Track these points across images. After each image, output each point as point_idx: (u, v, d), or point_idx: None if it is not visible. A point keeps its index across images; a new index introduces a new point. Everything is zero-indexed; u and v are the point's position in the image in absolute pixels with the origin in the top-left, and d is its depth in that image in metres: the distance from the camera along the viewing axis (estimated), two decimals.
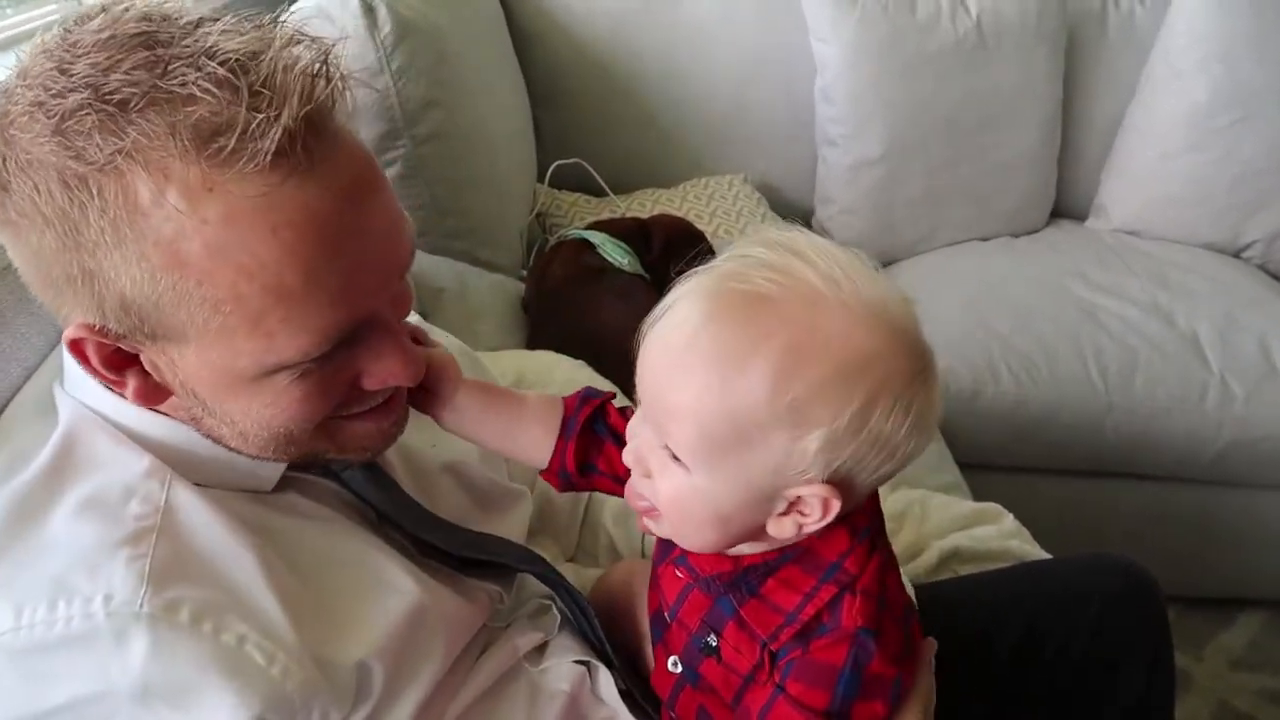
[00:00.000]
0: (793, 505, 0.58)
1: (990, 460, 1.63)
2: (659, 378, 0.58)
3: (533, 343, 1.33)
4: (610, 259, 1.43)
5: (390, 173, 1.37)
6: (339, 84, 0.54)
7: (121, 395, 0.60)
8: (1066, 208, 2.09)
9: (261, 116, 0.50)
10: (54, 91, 0.51)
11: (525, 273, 1.57)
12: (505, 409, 0.72)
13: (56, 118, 0.50)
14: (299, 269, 0.53)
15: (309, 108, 0.51)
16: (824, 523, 0.58)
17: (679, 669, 0.68)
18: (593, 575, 0.89)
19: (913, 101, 1.86)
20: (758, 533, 0.60)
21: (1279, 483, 1.69)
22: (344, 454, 0.66)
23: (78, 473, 0.59)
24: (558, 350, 1.18)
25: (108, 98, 0.50)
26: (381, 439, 0.67)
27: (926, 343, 0.57)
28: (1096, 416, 1.62)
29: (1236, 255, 1.99)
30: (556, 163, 1.88)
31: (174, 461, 0.61)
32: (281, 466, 0.66)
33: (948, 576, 1.03)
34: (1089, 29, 1.98)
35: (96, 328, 0.55)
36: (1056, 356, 1.65)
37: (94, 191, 0.51)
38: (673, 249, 1.50)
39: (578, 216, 1.79)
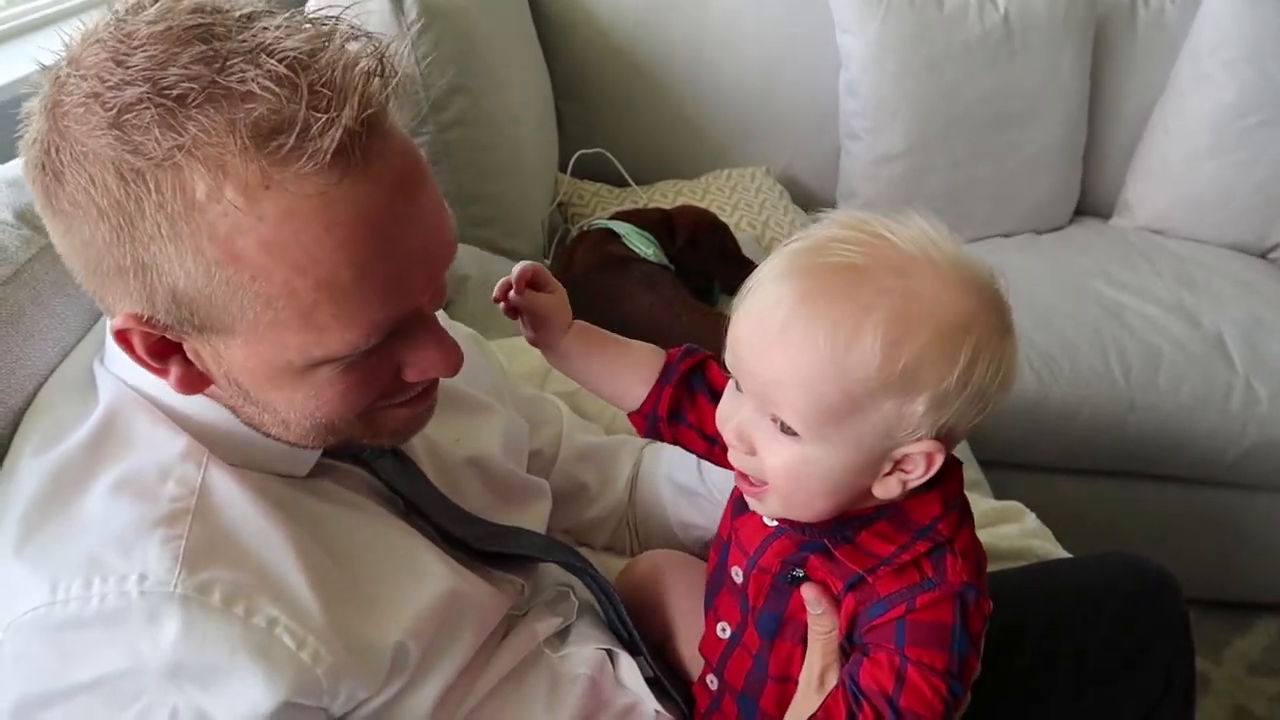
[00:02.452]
0: (897, 464, 0.60)
1: (1011, 458, 1.62)
2: (761, 356, 0.59)
3: None
4: (635, 249, 1.43)
5: None
6: (394, 83, 0.54)
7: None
8: (1091, 205, 2.07)
9: (324, 117, 0.50)
10: (110, 84, 0.51)
11: (548, 261, 1.57)
12: (609, 353, 0.75)
13: (114, 110, 0.50)
14: (351, 265, 0.53)
15: (370, 110, 0.51)
16: (926, 477, 0.60)
17: (727, 634, 0.70)
18: (615, 565, 0.89)
19: (937, 96, 1.84)
20: (864, 496, 0.62)
21: None
22: (377, 439, 0.67)
23: (116, 450, 0.60)
24: None
25: (166, 92, 0.50)
26: (415, 424, 0.67)
27: (1005, 296, 0.60)
28: (1118, 415, 1.61)
29: (1262, 256, 1.97)
30: (579, 152, 1.88)
31: (211, 442, 0.62)
32: (318, 453, 0.66)
33: None
34: (1118, 25, 1.97)
35: (145, 318, 0.56)
36: (1078, 354, 1.64)
37: (151, 186, 0.50)
38: (697, 241, 1.50)
39: (600, 206, 1.78)
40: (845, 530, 0.63)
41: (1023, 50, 1.84)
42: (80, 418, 0.62)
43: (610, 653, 0.76)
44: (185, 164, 0.50)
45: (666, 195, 1.83)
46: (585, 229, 1.52)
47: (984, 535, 1.08)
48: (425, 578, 0.66)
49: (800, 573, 0.66)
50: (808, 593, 0.65)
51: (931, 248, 0.58)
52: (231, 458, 0.62)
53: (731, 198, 1.84)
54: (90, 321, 0.72)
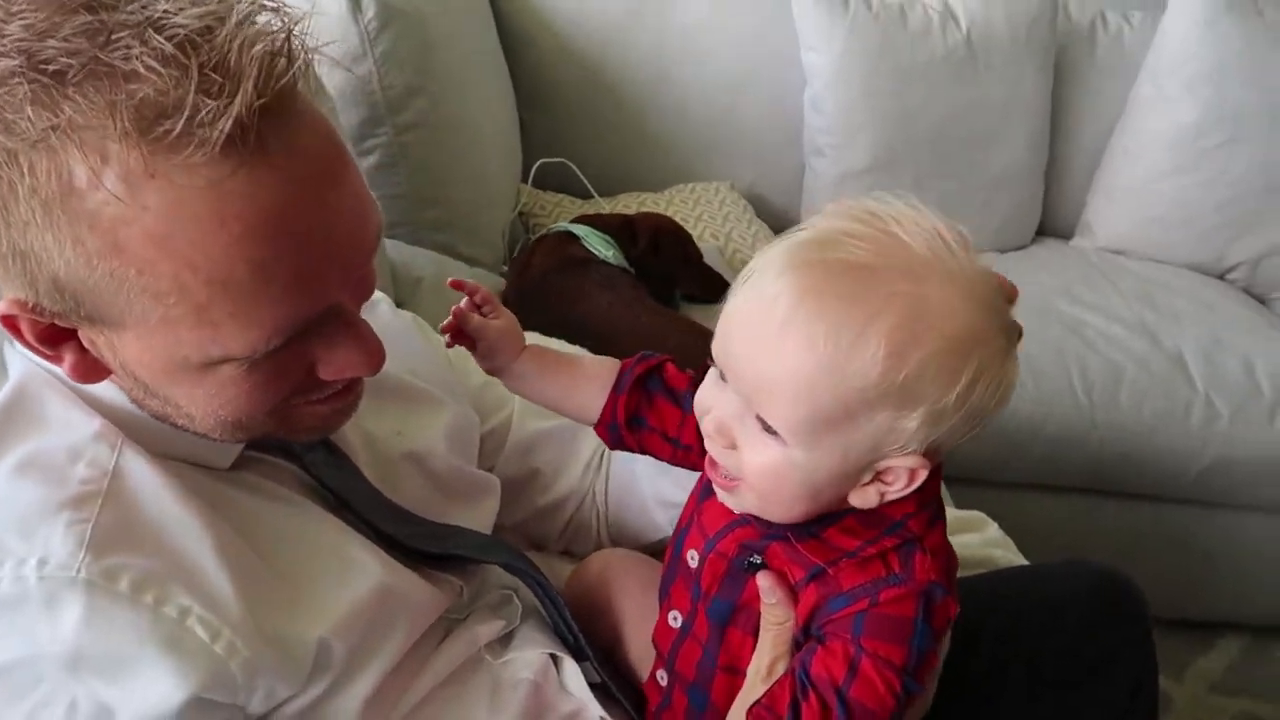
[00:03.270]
0: (878, 475, 0.58)
1: (977, 475, 1.61)
2: (754, 352, 0.56)
3: None
4: (594, 251, 1.41)
5: (370, 160, 1.34)
6: (303, 63, 0.49)
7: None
8: (1053, 226, 2.09)
9: (214, 104, 0.45)
10: None
11: (505, 269, 1.55)
12: (564, 369, 0.74)
13: None
14: (249, 262, 0.49)
15: (265, 97, 0.47)
16: (906, 492, 0.58)
17: (678, 622, 0.68)
18: (561, 567, 0.86)
19: (901, 113, 1.85)
20: (840, 501, 0.60)
21: (1261, 504, 1.69)
22: (295, 436, 0.63)
23: (23, 429, 0.57)
24: None
25: (42, 67, 0.45)
26: (335, 421, 0.63)
27: (1013, 315, 0.58)
28: (1082, 432, 1.61)
29: (1221, 277, 1.99)
30: (541, 161, 1.87)
31: (127, 428, 0.58)
32: (239, 446, 0.63)
33: None
34: (1078, 47, 1.99)
35: (30, 305, 0.52)
36: (1042, 372, 1.63)
37: (24, 169, 0.46)
38: (659, 245, 1.49)
39: (561, 217, 1.76)
40: (812, 526, 0.61)
41: (985, 69, 1.86)
42: None
43: (555, 657, 0.73)
44: (61, 147, 0.46)
45: (630, 207, 1.81)
46: (545, 233, 1.50)
47: None
48: (354, 573, 0.63)
49: (758, 559, 0.63)
50: (763, 581, 0.62)
51: (945, 252, 0.55)
52: (149, 445, 0.59)
53: (695, 210, 1.82)
54: None
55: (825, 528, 0.61)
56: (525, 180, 1.86)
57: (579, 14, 1.88)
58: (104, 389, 0.59)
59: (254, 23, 0.48)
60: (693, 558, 0.67)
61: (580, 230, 1.44)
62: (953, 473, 1.45)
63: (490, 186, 1.59)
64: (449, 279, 0.77)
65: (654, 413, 0.71)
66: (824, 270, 0.54)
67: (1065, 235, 2.09)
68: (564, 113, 1.94)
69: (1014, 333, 0.57)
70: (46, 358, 0.55)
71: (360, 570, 0.64)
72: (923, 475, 0.57)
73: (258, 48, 0.47)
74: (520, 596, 0.77)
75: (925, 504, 0.61)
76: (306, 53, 0.50)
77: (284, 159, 0.49)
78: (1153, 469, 1.63)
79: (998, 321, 0.56)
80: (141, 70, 0.45)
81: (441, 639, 0.71)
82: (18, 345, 0.60)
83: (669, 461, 0.73)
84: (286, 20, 0.49)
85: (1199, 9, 1.84)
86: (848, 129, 1.86)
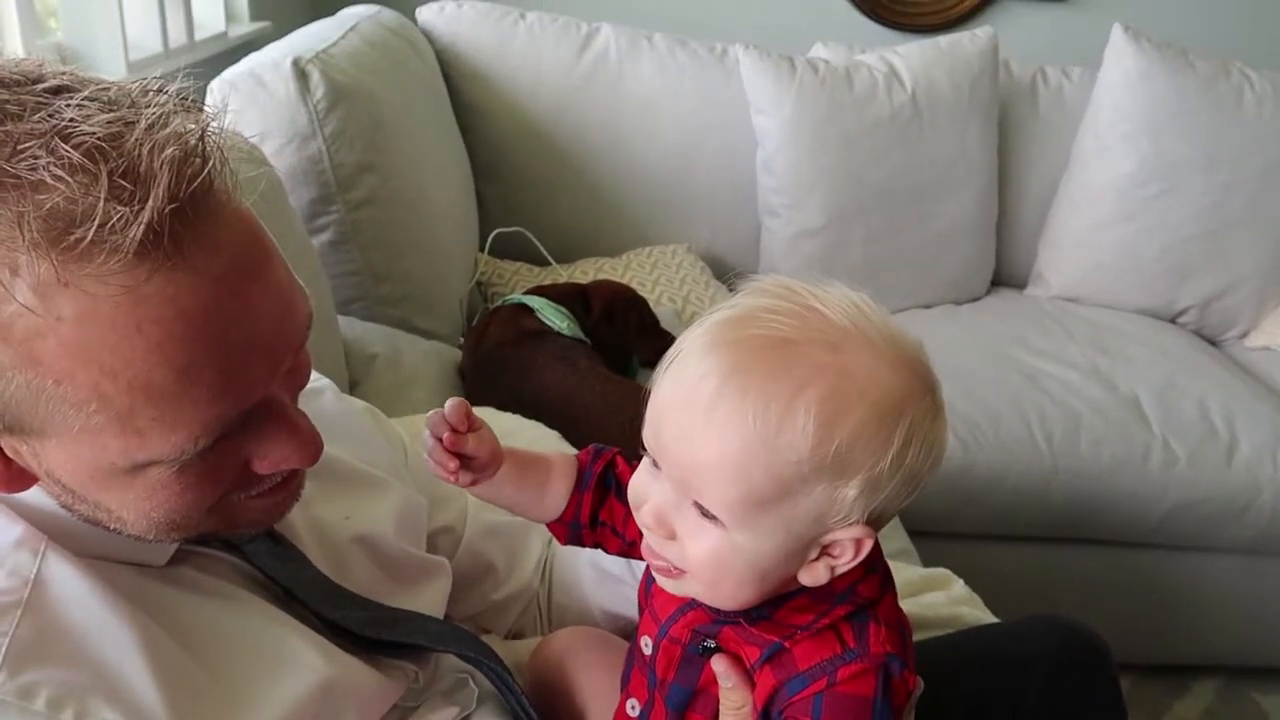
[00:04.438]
0: (824, 550, 0.57)
1: (939, 527, 1.61)
2: (684, 436, 0.55)
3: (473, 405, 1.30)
4: (549, 323, 1.41)
5: (323, 238, 1.34)
6: (217, 162, 0.49)
7: None
8: (1007, 276, 2.13)
9: (124, 210, 0.45)
10: None
11: (462, 340, 1.54)
12: (539, 472, 0.71)
13: None
14: (170, 366, 0.48)
15: (178, 201, 0.46)
16: (855, 563, 0.57)
17: (636, 711, 0.66)
18: (520, 647, 0.84)
19: (851, 172, 1.89)
20: (789, 582, 0.58)
21: (1225, 545, 1.69)
22: (234, 530, 0.61)
23: None
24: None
25: None
26: (276, 513, 0.62)
27: (935, 374, 0.58)
28: (1043, 479, 1.61)
29: (1172, 321, 2.03)
30: (498, 230, 1.88)
31: (52, 531, 0.56)
32: (174, 544, 0.61)
33: None
34: (1020, 103, 2.05)
35: None
36: (1001, 421, 1.65)
37: None
38: (613, 313, 1.49)
39: (520, 285, 1.77)
40: (763, 608, 0.60)
41: (931, 127, 1.90)
42: None
43: None
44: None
45: (588, 273, 1.82)
46: (499, 305, 1.50)
47: (911, 604, 1.07)
48: (296, 669, 0.61)
49: (712, 643, 0.62)
50: (718, 665, 0.60)
51: (864, 320, 0.55)
52: (77, 547, 0.56)
53: (653, 274, 1.84)
54: None
55: (776, 609, 0.60)
56: (483, 250, 1.86)
57: (532, 85, 1.91)
58: (29, 494, 0.56)
59: (166, 125, 0.48)
60: (646, 645, 0.66)
61: (535, 302, 1.45)
62: (914, 526, 1.46)
63: (445, 259, 1.60)
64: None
65: (608, 510, 0.70)
66: (747, 347, 0.55)
67: (1019, 285, 2.13)
68: (520, 182, 1.95)
69: (938, 389, 0.57)
70: None
71: (302, 665, 0.61)
72: (868, 544, 0.56)
73: (169, 150, 0.46)
74: (476, 680, 0.75)
75: (871, 568, 0.60)
76: (221, 152, 0.49)
77: (202, 259, 0.48)
78: (1116, 515, 1.63)
79: (922, 381, 0.56)
80: (49, 180, 0.44)
81: None
82: None
83: (617, 554, 0.72)
84: (200, 121, 0.49)
85: (1133, 62, 1.91)
86: (799, 189, 1.89)
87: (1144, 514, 1.63)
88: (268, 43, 1.50)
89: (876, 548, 0.61)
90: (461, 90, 1.90)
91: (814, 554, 0.57)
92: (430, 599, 0.78)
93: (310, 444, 0.58)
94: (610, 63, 1.94)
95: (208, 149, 0.48)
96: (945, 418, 0.57)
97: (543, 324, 1.40)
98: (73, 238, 0.45)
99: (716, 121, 1.95)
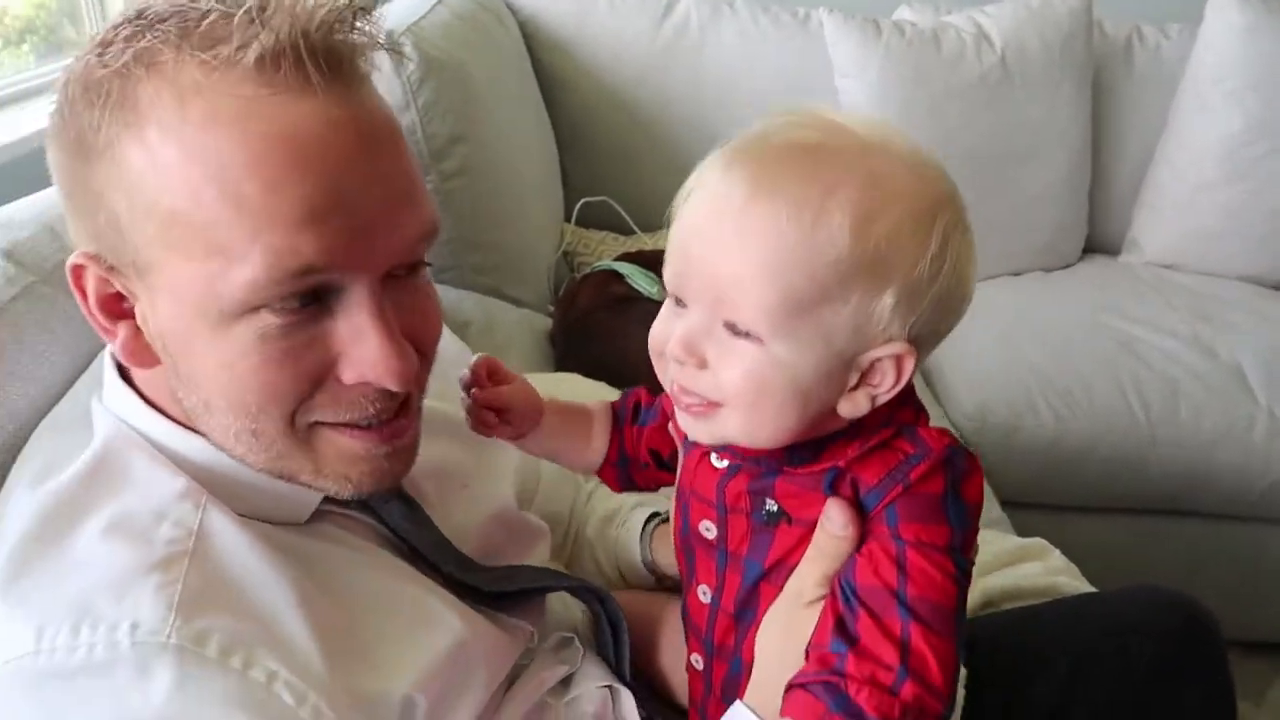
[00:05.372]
0: (864, 377, 0.55)
1: (1030, 497, 1.59)
2: (715, 249, 0.53)
3: (561, 372, 1.32)
4: (638, 288, 1.42)
5: None
6: (361, 41, 0.54)
7: (111, 342, 0.59)
8: (1099, 242, 2.06)
9: (256, 28, 0.51)
10: (112, 24, 0.55)
11: (551, 309, 1.57)
12: (578, 423, 0.72)
13: (100, 38, 0.54)
14: (260, 180, 0.51)
15: (309, 32, 0.52)
16: (896, 389, 0.55)
17: (708, 597, 0.64)
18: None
19: (938, 136, 1.84)
20: (828, 413, 0.56)
21: None
22: (322, 476, 0.60)
23: (110, 490, 0.57)
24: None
25: (143, 15, 0.53)
26: (369, 468, 0.60)
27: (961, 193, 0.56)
28: (1140, 450, 1.57)
29: (1277, 288, 1.95)
30: (584, 200, 1.89)
31: (211, 486, 0.58)
32: (317, 497, 0.62)
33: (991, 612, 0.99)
34: (1115, 62, 1.98)
35: (93, 254, 0.55)
36: (1095, 390, 1.61)
37: (104, 93, 0.52)
38: None
39: (605, 254, 1.78)
40: (802, 452, 0.57)
41: (1022, 90, 1.85)
42: (75, 452, 0.59)
43: (612, 689, 0.73)
44: (137, 72, 0.52)
45: None
46: (589, 271, 1.51)
47: (1007, 575, 1.06)
48: (435, 627, 0.63)
49: (774, 505, 0.59)
50: (833, 507, 0.55)
51: (889, 132, 0.55)
52: (232, 503, 0.59)
53: None
54: (76, 361, 0.70)
55: (819, 452, 0.57)
56: (569, 220, 1.88)
57: (613, 55, 1.91)
58: (189, 447, 0.59)
59: None
60: (708, 529, 0.63)
61: (625, 268, 1.45)
62: (1006, 496, 1.44)
63: (533, 228, 1.62)
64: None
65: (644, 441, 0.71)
66: (772, 155, 0.53)
67: (1113, 251, 2.06)
68: (602, 152, 1.96)
69: (965, 210, 0.55)
70: (104, 331, 0.57)
71: (440, 623, 0.63)
72: (910, 364, 0.54)
73: (312, 3, 0.53)
74: (580, 639, 0.77)
75: (906, 401, 0.58)
76: (371, 38, 0.55)
77: (331, 101, 0.52)
78: (1216, 487, 1.59)
79: (952, 190, 0.55)
80: (213, 13, 0.52)
81: (509, 686, 0.71)
82: (106, 402, 0.62)
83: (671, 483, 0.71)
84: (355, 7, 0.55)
85: (1237, 16, 1.83)
86: None
87: (1247, 486, 1.58)
88: None
89: (909, 388, 0.58)
90: (544, 61, 1.91)
91: (854, 380, 0.55)
92: (537, 560, 0.80)
93: (397, 359, 0.56)
94: (692, 30, 1.93)
95: (355, 24, 0.54)
96: (974, 242, 0.56)
97: (632, 289, 1.41)
98: (214, 52, 0.51)
99: (799, 87, 1.92)
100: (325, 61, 0.52)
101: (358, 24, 0.54)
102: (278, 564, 0.57)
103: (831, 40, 1.84)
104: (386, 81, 1.30)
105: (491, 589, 0.69)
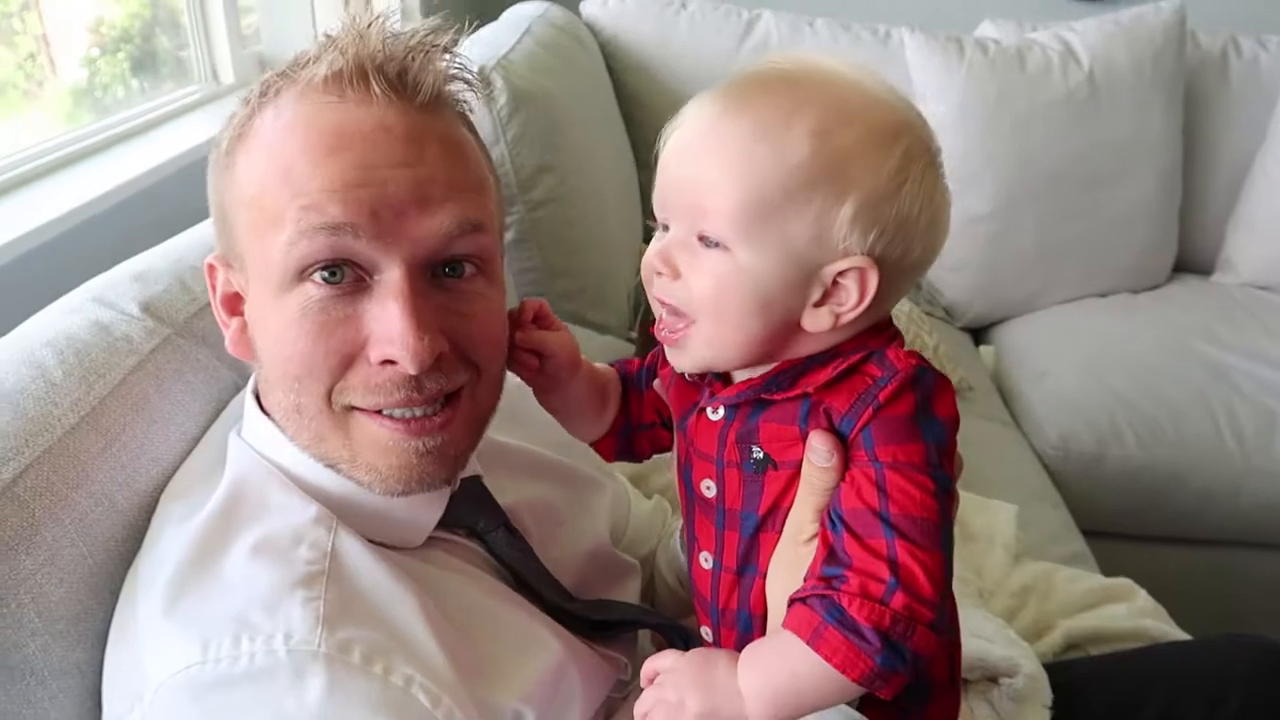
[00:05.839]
0: (828, 294, 0.57)
1: (1116, 528, 1.56)
2: (688, 162, 0.58)
3: None
4: None
5: (505, 239, 1.40)
6: (447, 67, 0.62)
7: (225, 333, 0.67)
8: (1190, 262, 2.01)
9: (335, 53, 0.60)
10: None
11: (633, 334, 1.59)
12: (603, 388, 0.74)
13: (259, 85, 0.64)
14: (308, 157, 0.58)
15: (376, 54, 0.59)
16: (860, 308, 0.57)
17: (709, 562, 0.65)
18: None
19: (1021, 157, 1.82)
20: (793, 329, 0.58)
21: None
22: (356, 464, 0.63)
23: (251, 517, 0.62)
24: None
25: (293, 67, 0.63)
26: (398, 462, 0.62)
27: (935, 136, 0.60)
28: (1232, 481, 1.54)
29: None
30: None
31: (338, 512, 0.64)
32: (432, 518, 0.67)
33: (1076, 656, 0.99)
34: (1210, 76, 1.93)
35: (220, 255, 0.65)
36: (1184, 418, 1.57)
37: (237, 122, 0.62)
38: None
39: None
40: (780, 380, 0.59)
41: (1110, 107, 1.81)
42: (214, 487, 0.64)
43: None
44: (255, 101, 0.62)
45: None
46: None
47: (1092, 616, 1.05)
48: (539, 647, 0.66)
49: (759, 451, 0.60)
50: (816, 438, 0.57)
51: (866, 72, 0.58)
52: (355, 528, 0.64)
53: None
54: (210, 407, 0.75)
55: (793, 381, 0.59)
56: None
57: (693, 74, 1.92)
58: (317, 475, 0.64)
59: (428, 41, 0.62)
60: (708, 488, 0.64)
61: None
62: (1092, 526, 1.43)
63: (615, 252, 1.64)
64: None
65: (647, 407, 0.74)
66: (745, 81, 0.58)
67: (1204, 271, 2.01)
68: None
69: (936, 150, 0.58)
70: (223, 324, 0.67)
71: (543, 644, 0.67)
72: (873, 282, 0.56)
73: (401, 40, 0.61)
74: None
75: (881, 330, 0.60)
76: (467, 83, 0.64)
77: (382, 109, 0.59)
78: None
79: (918, 124, 0.58)
80: (319, 49, 0.62)
81: (606, 718, 0.74)
82: (245, 435, 0.67)
83: (667, 447, 0.73)
84: (456, 54, 0.63)
85: None
86: (966, 176, 1.84)
87: None
88: None
89: (886, 316, 0.61)
90: (624, 81, 1.94)
91: (817, 295, 0.57)
92: (630, 597, 0.83)
93: (415, 335, 0.58)
94: (771, 49, 1.93)
95: (429, 53, 0.61)
96: (945, 184, 0.58)
97: None
98: (305, 74, 0.60)
99: None
100: (393, 81, 0.60)
101: (435, 54, 0.61)
102: (402, 582, 0.61)
103: (912, 60, 1.83)
104: (478, 117, 1.34)
105: (588, 615, 0.73)
